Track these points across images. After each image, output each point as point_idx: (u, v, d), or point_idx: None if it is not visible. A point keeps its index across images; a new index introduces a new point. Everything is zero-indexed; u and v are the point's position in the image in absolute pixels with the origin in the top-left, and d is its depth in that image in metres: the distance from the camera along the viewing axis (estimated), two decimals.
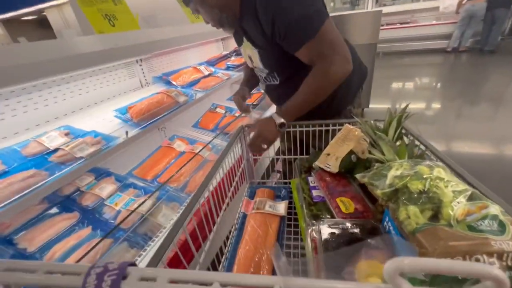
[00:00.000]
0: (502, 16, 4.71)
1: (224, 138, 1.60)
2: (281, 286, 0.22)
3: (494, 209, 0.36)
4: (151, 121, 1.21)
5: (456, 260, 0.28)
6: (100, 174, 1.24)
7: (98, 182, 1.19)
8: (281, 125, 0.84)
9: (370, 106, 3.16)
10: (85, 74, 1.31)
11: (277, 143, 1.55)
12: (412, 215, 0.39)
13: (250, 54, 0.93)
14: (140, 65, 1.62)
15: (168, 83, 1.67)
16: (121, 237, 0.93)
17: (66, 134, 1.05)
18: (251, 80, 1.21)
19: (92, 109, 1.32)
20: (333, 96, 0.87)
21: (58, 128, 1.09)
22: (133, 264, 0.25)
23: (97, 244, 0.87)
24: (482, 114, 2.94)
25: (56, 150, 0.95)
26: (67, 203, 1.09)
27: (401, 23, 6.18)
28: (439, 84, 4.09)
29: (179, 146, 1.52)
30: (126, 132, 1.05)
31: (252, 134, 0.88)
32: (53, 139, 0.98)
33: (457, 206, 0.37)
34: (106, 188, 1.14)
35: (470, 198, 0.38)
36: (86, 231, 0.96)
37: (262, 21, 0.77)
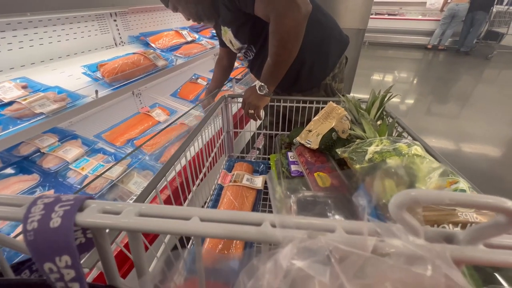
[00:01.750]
0: (481, 19, 4.93)
1: (204, 111, 1.53)
2: (271, 222, 0.20)
3: (463, 184, 0.38)
4: (125, 82, 1.11)
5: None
6: (65, 136, 1.13)
7: (62, 144, 1.09)
8: (260, 88, 0.85)
9: (350, 94, 3.23)
10: (48, 21, 1.14)
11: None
12: (388, 188, 0.39)
13: (229, 37, 0.93)
14: (115, 20, 1.45)
15: (146, 44, 1.53)
16: None
17: (24, 87, 0.93)
18: (218, 83, 1.27)
19: (56, 63, 1.18)
20: (311, 63, 0.89)
21: (14, 79, 0.95)
22: (92, 199, 0.22)
23: None
24: (449, 112, 3.15)
25: (11, 103, 0.84)
26: (25, 164, 0.99)
27: (389, 14, 6.22)
28: (415, 80, 4.27)
29: (158, 115, 1.43)
30: (96, 91, 0.95)
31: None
32: (7, 91, 0.86)
33: (430, 180, 0.39)
34: (71, 151, 1.05)
35: (442, 174, 0.40)
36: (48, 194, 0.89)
37: None
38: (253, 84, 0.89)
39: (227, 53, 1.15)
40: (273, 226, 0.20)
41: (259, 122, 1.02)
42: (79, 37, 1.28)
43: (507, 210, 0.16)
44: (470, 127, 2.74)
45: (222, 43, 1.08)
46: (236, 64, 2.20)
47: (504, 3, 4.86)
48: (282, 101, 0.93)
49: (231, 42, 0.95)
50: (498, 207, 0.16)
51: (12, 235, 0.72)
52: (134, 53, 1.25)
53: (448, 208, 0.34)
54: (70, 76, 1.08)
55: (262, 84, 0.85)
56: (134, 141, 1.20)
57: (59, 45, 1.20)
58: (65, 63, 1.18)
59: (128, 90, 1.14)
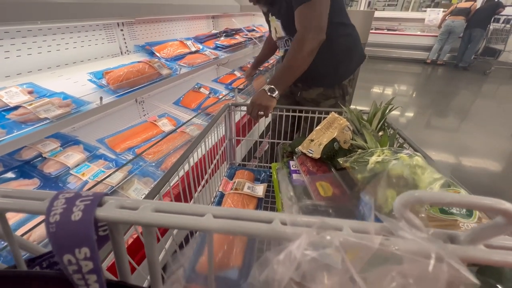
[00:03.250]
0: (478, 36, 5.05)
1: (206, 119, 1.55)
2: (281, 220, 0.20)
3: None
4: (130, 90, 1.13)
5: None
6: (67, 141, 1.14)
7: (64, 149, 1.09)
8: (270, 90, 0.93)
9: (351, 106, 3.26)
10: (57, 29, 1.17)
11: (262, 126, 1.57)
12: (390, 198, 0.41)
13: (275, 25, 1.12)
14: (121, 30, 1.49)
15: (151, 54, 1.56)
16: None
17: (30, 92, 0.94)
18: (263, 57, 1.54)
19: (63, 69, 1.20)
20: (339, 63, 1.10)
21: (21, 85, 0.97)
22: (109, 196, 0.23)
23: None
24: (448, 125, 3.17)
25: (16, 107, 0.85)
26: (26, 168, 0.99)
27: (388, 29, 6.37)
28: (415, 93, 4.33)
29: (164, 124, 1.44)
30: (101, 98, 0.97)
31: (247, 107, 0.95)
32: (13, 96, 0.87)
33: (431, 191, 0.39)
34: (73, 156, 1.06)
35: (443, 185, 0.41)
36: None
37: None
38: (260, 89, 0.95)
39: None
40: (283, 224, 0.20)
41: (260, 130, 1.05)
42: (86, 45, 1.31)
43: (505, 211, 0.17)
44: (470, 140, 2.75)
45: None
46: (238, 74, 2.25)
47: (501, 21, 4.99)
48: (285, 110, 0.96)
49: (275, 29, 1.13)
50: (496, 209, 0.17)
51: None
52: (139, 62, 1.28)
53: (449, 218, 0.34)
54: (76, 83, 1.10)
55: (272, 86, 0.93)
56: (136, 149, 1.20)
57: (66, 53, 1.23)
58: (71, 70, 1.20)
59: (132, 97, 1.16)
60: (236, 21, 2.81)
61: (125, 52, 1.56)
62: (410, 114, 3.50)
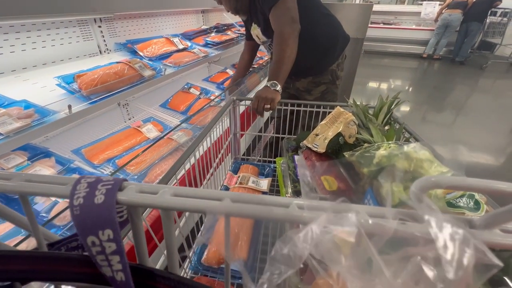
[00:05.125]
0: (475, 29, 4.98)
1: (192, 128, 1.40)
2: (298, 205, 0.21)
3: None
4: (106, 95, 1.00)
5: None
6: (37, 154, 1.01)
7: (32, 164, 0.97)
8: (272, 84, 0.96)
9: (349, 100, 3.17)
10: (21, 27, 1.03)
11: (261, 122, 1.55)
12: (396, 191, 0.41)
13: (256, 33, 1.19)
14: (99, 27, 1.35)
15: (134, 52, 1.43)
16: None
17: None
18: (240, 76, 1.53)
19: (30, 73, 1.06)
20: (324, 52, 1.17)
21: None
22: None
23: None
24: (443, 120, 3.13)
25: None
26: None
27: (384, 23, 6.27)
28: (411, 88, 4.26)
29: (149, 131, 1.31)
30: (69, 106, 0.84)
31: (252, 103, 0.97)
32: None
33: None
34: (42, 172, 0.93)
35: None
36: (7, 225, 0.77)
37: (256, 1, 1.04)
38: (263, 86, 0.98)
39: (250, 47, 1.42)
40: (300, 208, 0.21)
41: (260, 125, 1.08)
42: (57, 44, 1.17)
43: None
44: (466, 135, 2.72)
45: (249, 37, 1.31)
46: (230, 72, 2.12)
47: (497, 14, 4.92)
48: (289, 105, 0.98)
49: (257, 36, 1.20)
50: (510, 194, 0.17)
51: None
52: (118, 62, 1.15)
53: (457, 211, 0.38)
54: (43, 88, 0.97)
55: (273, 81, 0.96)
56: (116, 160, 1.08)
57: (34, 53, 1.09)
58: (40, 73, 1.07)
59: (109, 103, 1.03)
60: (227, 16, 2.67)
61: (105, 51, 1.42)
62: (406, 108, 3.43)
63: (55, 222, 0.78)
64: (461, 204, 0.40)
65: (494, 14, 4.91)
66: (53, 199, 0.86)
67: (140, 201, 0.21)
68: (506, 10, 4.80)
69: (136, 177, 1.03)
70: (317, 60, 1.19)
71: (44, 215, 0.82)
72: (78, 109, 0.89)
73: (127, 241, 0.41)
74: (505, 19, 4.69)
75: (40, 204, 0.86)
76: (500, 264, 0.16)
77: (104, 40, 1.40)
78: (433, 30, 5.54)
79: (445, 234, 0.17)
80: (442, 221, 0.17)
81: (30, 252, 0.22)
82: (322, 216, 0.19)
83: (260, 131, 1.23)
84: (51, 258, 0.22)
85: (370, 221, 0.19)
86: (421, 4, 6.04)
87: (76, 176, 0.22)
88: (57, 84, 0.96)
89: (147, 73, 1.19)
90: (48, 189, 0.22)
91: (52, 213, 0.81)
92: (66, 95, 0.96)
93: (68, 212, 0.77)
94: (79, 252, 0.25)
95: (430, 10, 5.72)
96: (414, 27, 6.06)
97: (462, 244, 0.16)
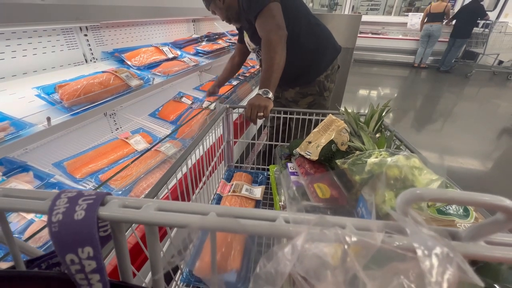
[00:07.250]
0: (461, 44, 5.27)
1: (181, 139, 1.35)
2: (284, 219, 0.21)
3: None
4: (89, 106, 0.96)
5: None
6: (13, 168, 0.95)
7: (8, 179, 0.90)
8: (264, 92, 0.96)
9: (341, 108, 3.20)
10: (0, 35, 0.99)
11: (254, 129, 1.55)
12: (388, 199, 0.41)
13: (247, 40, 1.24)
14: (85, 35, 1.31)
15: (121, 61, 1.39)
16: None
17: None
18: (225, 77, 1.58)
19: (8, 82, 1.01)
20: (309, 63, 1.18)
21: None
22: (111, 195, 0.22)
23: None
24: (430, 127, 3.20)
25: None
26: None
27: (373, 33, 6.45)
28: (399, 96, 4.35)
29: (137, 142, 1.25)
30: (48, 118, 0.80)
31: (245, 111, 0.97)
32: None
33: None
34: (19, 188, 0.87)
35: (440, 186, 0.41)
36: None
37: (244, 8, 1.05)
38: (255, 95, 0.97)
39: (241, 51, 1.44)
40: (287, 222, 0.21)
41: (252, 132, 1.09)
42: (40, 52, 1.13)
43: (505, 208, 0.17)
44: (453, 141, 2.79)
45: (241, 40, 1.35)
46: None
47: (480, 25, 5.14)
48: (282, 112, 0.98)
49: (248, 43, 1.25)
50: (496, 205, 0.17)
51: None
52: (103, 72, 1.11)
53: (447, 219, 0.38)
54: (22, 99, 0.92)
55: (264, 89, 0.96)
56: (99, 174, 1.03)
57: (13, 62, 1.04)
58: (19, 83, 1.02)
59: (93, 114, 0.99)
60: (218, 25, 2.67)
61: (91, 60, 1.38)
62: (395, 115, 3.49)
63: (30, 243, 0.72)
64: (451, 212, 0.40)
65: (477, 25, 5.13)
66: (29, 217, 0.80)
67: (123, 217, 0.20)
68: (488, 22, 5.02)
69: (120, 192, 0.98)
70: (302, 69, 1.18)
71: (17, 235, 0.76)
72: (59, 121, 0.84)
73: (114, 255, 0.41)
74: (487, 30, 4.90)
75: (14, 223, 0.80)
76: (481, 284, 0.16)
77: (91, 49, 1.36)
78: (419, 40, 5.74)
79: (427, 252, 0.17)
80: (426, 238, 0.17)
81: (4, 272, 0.21)
82: (305, 232, 0.19)
83: (253, 138, 1.24)
84: (26, 278, 0.21)
85: (354, 238, 0.18)
86: (407, 15, 6.26)
87: (55, 191, 0.21)
88: (36, 95, 0.91)
89: (134, 82, 1.16)
90: (26, 205, 0.21)
91: (27, 234, 0.75)
92: (46, 106, 0.91)
93: (44, 232, 0.71)
94: (61, 269, 0.24)
95: (416, 21, 5.93)
96: (401, 37, 6.25)
97: (444, 261, 0.16)
